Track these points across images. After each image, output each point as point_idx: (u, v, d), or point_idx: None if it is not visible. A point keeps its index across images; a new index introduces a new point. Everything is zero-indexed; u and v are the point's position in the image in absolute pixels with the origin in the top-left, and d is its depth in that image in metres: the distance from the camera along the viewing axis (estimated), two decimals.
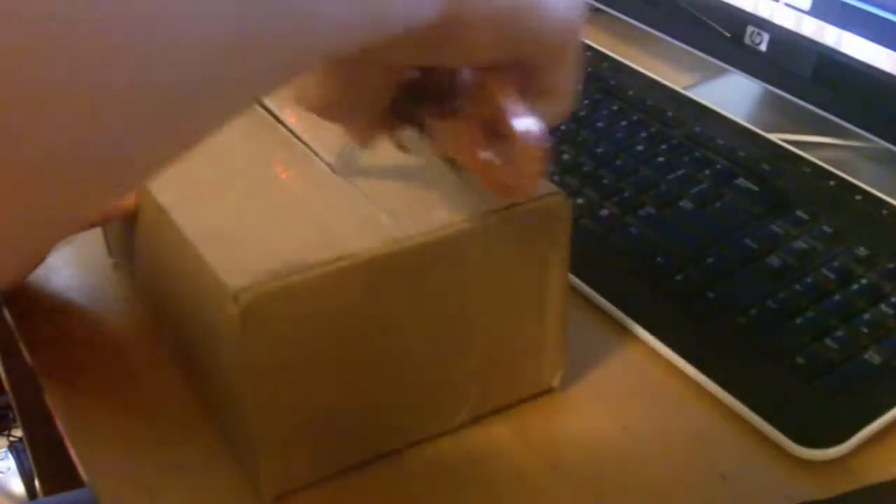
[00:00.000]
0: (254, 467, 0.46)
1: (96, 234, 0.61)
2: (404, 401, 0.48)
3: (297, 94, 0.39)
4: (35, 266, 0.58)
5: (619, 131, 0.71)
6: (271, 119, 0.53)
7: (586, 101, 0.74)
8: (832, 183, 0.64)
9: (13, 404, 0.98)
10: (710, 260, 0.59)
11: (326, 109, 0.40)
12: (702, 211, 0.63)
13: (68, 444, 0.52)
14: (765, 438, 0.50)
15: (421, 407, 0.49)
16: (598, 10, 0.87)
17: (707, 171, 0.66)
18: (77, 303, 0.60)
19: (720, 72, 0.79)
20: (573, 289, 0.57)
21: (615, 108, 0.73)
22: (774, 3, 0.70)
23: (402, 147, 0.46)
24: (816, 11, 0.68)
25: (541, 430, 0.51)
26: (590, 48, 0.80)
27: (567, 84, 0.43)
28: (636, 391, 0.53)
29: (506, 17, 0.36)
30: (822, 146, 0.72)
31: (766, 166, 0.66)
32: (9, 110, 0.20)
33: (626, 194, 0.64)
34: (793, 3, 0.69)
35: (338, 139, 0.51)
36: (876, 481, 0.48)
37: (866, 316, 0.54)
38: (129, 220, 0.53)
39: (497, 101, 0.40)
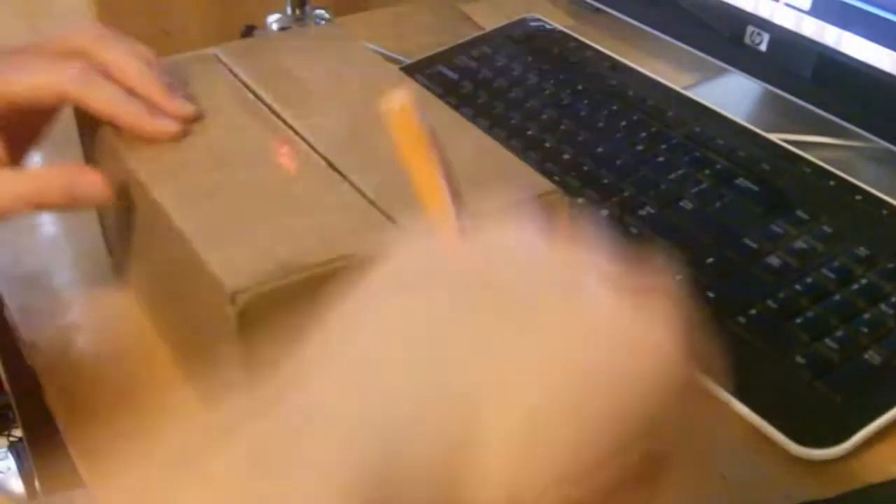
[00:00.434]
0: None
1: (96, 234, 0.61)
2: None
3: None
4: None
5: (619, 131, 0.71)
6: (267, 113, 0.53)
7: (586, 101, 0.74)
8: (832, 183, 0.64)
9: (13, 404, 0.98)
10: (710, 260, 0.59)
11: None
12: (702, 211, 0.63)
13: (68, 444, 0.52)
14: (765, 438, 0.50)
15: None
16: (598, 10, 0.87)
17: (707, 171, 0.66)
18: (77, 303, 0.60)
19: (720, 72, 0.79)
20: None
21: (615, 108, 0.73)
22: (774, 3, 0.70)
23: None
24: (816, 11, 0.68)
25: None
26: (590, 48, 0.80)
27: None
28: None
29: None
30: (822, 146, 0.72)
31: (766, 166, 0.66)
32: None
33: (626, 194, 0.64)
34: (793, 3, 0.69)
35: (337, 135, 0.51)
36: (876, 481, 0.48)
37: (866, 316, 0.54)
38: (125, 218, 0.53)
39: None
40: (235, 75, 0.57)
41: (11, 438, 1.60)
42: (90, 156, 0.59)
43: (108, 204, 0.51)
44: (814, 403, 0.51)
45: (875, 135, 0.66)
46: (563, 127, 0.71)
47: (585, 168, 0.67)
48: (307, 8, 0.82)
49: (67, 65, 0.49)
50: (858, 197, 0.63)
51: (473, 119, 0.72)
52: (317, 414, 0.28)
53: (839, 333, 0.53)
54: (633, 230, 0.62)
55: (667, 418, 0.30)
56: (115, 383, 0.54)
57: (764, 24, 0.71)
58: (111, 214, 0.59)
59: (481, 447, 0.27)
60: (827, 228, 0.60)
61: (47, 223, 0.68)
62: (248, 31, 0.83)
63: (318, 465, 0.27)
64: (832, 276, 0.57)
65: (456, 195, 0.34)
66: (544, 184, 0.48)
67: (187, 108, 0.51)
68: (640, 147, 0.69)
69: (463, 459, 0.27)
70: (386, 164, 0.49)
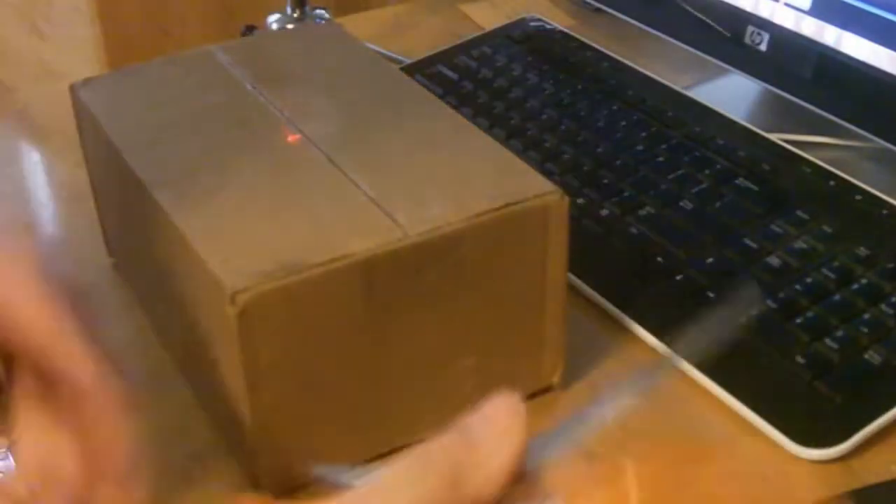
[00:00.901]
0: (253, 467, 0.46)
1: (96, 234, 0.61)
2: (403, 400, 0.48)
3: None
4: None
5: (619, 131, 0.71)
6: (267, 112, 0.53)
7: (586, 101, 0.74)
8: (832, 183, 0.64)
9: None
10: (710, 260, 0.59)
11: None
12: (702, 211, 0.63)
13: None
14: (765, 438, 0.50)
15: (420, 406, 0.49)
16: (598, 10, 0.87)
17: (707, 171, 0.66)
18: (77, 303, 0.60)
19: (720, 72, 0.79)
20: (573, 288, 0.57)
21: (615, 108, 0.73)
22: (774, 3, 0.70)
23: None
24: (816, 11, 0.68)
25: (540, 430, 0.51)
26: (590, 48, 0.80)
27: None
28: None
29: None
30: (822, 146, 0.72)
31: (766, 166, 0.66)
32: None
33: (626, 194, 0.64)
34: (793, 3, 0.69)
35: (337, 134, 0.51)
36: (876, 481, 0.48)
37: (866, 316, 0.54)
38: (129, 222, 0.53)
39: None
40: (235, 74, 0.57)
41: None
42: (90, 156, 0.59)
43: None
44: (814, 403, 0.51)
45: (875, 135, 0.66)
46: (563, 127, 0.71)
47: (585, 168, 0.67)
48: (307, 8, 0.82)
49: None
50: (858, 197, 0.63)
51: (473, 119, 0.72)
52: None
53: (839, 333, 0.53)
54: (633, 230, 0.62)
55: None
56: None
57: (764, 24, 0.71)
58: (111, 214, 0.59)
59: None
60: (827, 228, 0.60)
61: (47, 223, 0.68)
62: (248, 31, 0.83)
63: None
64: (832, 276, 0.57)
65: None
66: (544, 184, 0.48)
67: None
68: (640, 147, 0.69)
69: None
70: (386, 162, 0.49)
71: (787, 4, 0.70)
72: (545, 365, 0.51)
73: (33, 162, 0.75)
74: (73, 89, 0.56)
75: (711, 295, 0.56)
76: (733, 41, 0.73)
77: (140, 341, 0.56)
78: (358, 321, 0.45)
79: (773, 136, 0.70)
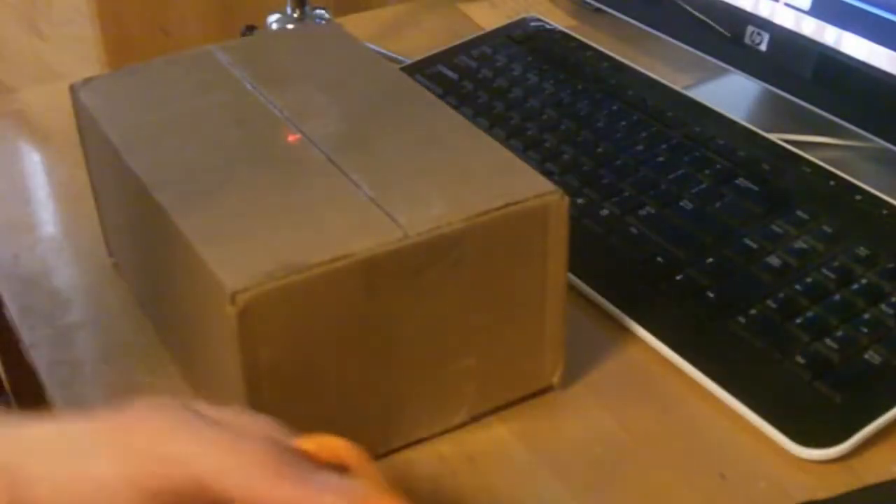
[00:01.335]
0: None
1: (96, 234, 0.61)
2: (403, 400, 0.48)
3: None
4: None
5: (619, 131, 0.71)
6: (267, 112, 0.53)
7: (586, 101, 0.74)
8: (832, 183, 0.64)
9: (13, 404, 0.98)
10: (710, 260, 0.59)
11: None
12: (702, 211, 0.63)
13: None
14: (765, 438, 0.50)
15: (420, 406, 0.49)
16: (598, 10, 0.87)
17: (707, 171, 0.66)
18: (77, 303, 0.60)
19: (720, 72, 0.79)
20: (573, 288, 0.57)
21: (615, 108, 0.73)
22: (774, 3, 0.70)
23: None
24: (816, 11, 0.68)
25: (540, 430, 0.51)
26: (590, 48, 0.80)
27: None
28: (636, 391, 0.53)
29: None
30: (822, 146, 0.72)
31: (766, 166, 0.66)
32: None
33: (626, 194, 0.64)
34: (793, 3, 0.69)
35: (337, 134, 0.51)
36: (876, 481, 0.48)
37: (866, 316, 0.54)
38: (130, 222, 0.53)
39: None
40: (235, 74, 0.57)
41: None
42: (90, 156, 0.59)
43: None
44: (814, 403, 0.51)
45: (875, 135, 0.66)
46: (563, 127, 0.71)
47: (585, 168, 0.67)
48: (307, 8, 0.82)
49: None
50: (858, 197, 0.63)
51: (473, 119, 0.72)
52: None
53: (839, 333, 0.53)
54: (633, 230, 0.62)
55: None
56: (115, 383, 0.54)
57: (764, 24, 0.71)
58: (111, 214, 0.59)
59: None
60: (827, 228, 0.60)
61: (47, 223, 0.68)
62: (248, 31, 0.83)
63: None
64: (832, 276, 0.57)
65: None
66: (544, 184, 0.48)
67: None
68: (640, 147, 0.69)
69: None
70: (386, 162, 0.49)
71: (787, 4, 0.70)
72: (545, 365, 0.51)
73: (33, 162, 0.75)
74: (73, 89, 0.56)
75: (711, 295, 0.56)
76: (733, 41, 0.73)
77: (140, 341, 0.56)
78: (358, 321, 0.45)
79: (773, 136, 0.70)
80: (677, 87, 0.76)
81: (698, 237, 0.60)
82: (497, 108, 0.74)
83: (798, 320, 0.54)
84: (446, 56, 0.81)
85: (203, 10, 0.96)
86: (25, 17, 1.04)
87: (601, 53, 0.80)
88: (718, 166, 0.66)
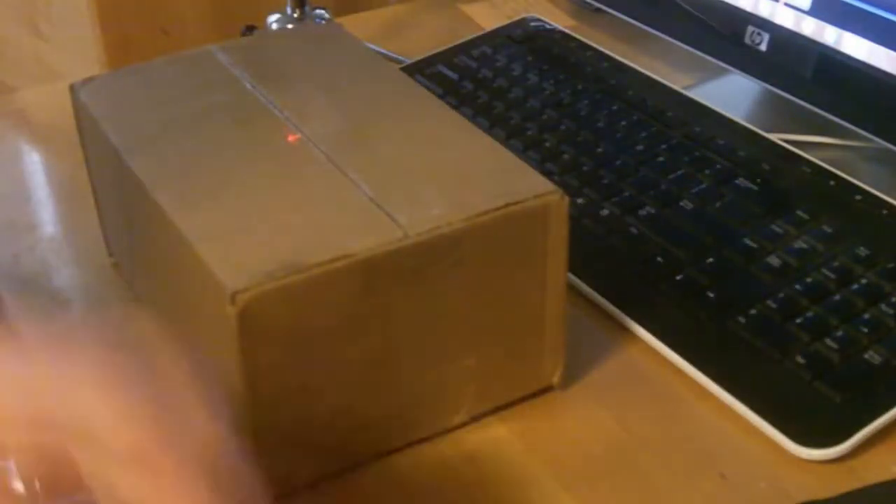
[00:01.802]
0: (252, 467, 0.46)
1: (96, 234, 0.61)
2: (403, 400, 0.48)
3: None
4: None
5: (619, 131, 0.71)
6: (267, 112, 0.53)
7: (586, 101, 0.74)
8: (832, 183, 0.64)
9: None
10: (710, 260, 0.59)
11: None
12: (702, 211, 0.63)
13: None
14: (765, 438, 0.50)
15: (420, 406, 0.49)
16: (598, 10, 0.87)
17: (707, 171, 0.66)
18: (77, 303, 0.60)
19: (720, 72, 0.79)
20: (573, 288, 0.57)
21: (615, 108, 0.73)
22: (774, 3, 0.70)
23: None
24: (816, 11, 0.68)
25: (540, 430, 0.51)
26: (590, 48, 0.80)
27: None
28: (636, 391, 0.53)
29: None
30: (822, 146, 0.72)
31: (766, 166, 0.66)
32: None
33: (626, 194, 0.64)
34: (793, 3, 0.69)
35: (337, 134, 0.51)
36: (876, 481, 0.48)
37: (866, 316, 0.54)
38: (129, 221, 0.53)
39: None
40: (235, 73, 0.57)
41: None
42: (90, 156, 0.59)
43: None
44: (814, 403, 0.51)
45: (875, 135, 0.66)
46: (563, 127, 0.71)
47: (585, 168, 0.67)
48: (307, 8, 0.82)
49: None
50: (858, 197, 0.63)
51: (473, 119, 0.72)
52: None
53: (839, 333, 0.53)
54: (633, 230, 0.62)
55: None
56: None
57: (764, 24, 0.71)
58: (111, 214, 0.59)
59: None
60: (827, 228, 0.60)
61: (47, 223, 0.68)
62: (248, 31, 0.83)
63: None
64: (832, 276, 0.57)
65: None
66: (544, 184, 0.48)
67: None
68: (640, 147, 0.69)
69: None
70: (386, 162, 0.49)
71: (787, 4, 0.70)
72: (545, 365, 0.51)
73: (33, 162, 0.75)
74: (73, 89, 0.56)
75: (711, 295, 0.56)
76: (733, 41, 0.73)
77: (140, 341, 0.56)
78: (358, 321, 0.45)
79: (773, 136, 0.70)
80: (677, 87, 0.76)
81: (698, 237, 0.60)
82: (497, 108, 0.74)
83: (798, 320, 0.54)
84: (446, 56, 0.81)
85: (203, 10, 0.96)
86: (25, 17, 1.04)
87: (601, 53, 0.80)
88: (718, 166, 0.66)
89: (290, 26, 0.82)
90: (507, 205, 0.46)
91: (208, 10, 0.96)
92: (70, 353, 0.37)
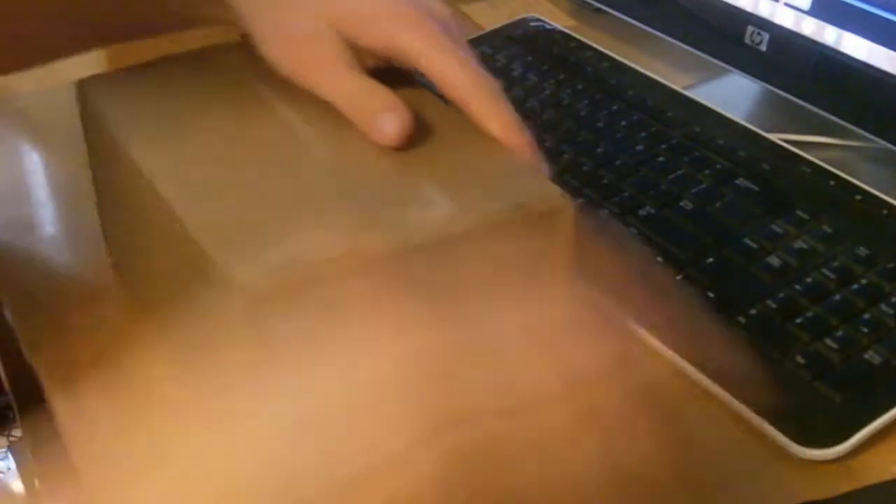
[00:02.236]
0: None
1: (96, 234, 0.61)
2: None
3: None
4: None
5: (619, 131, 0.71)
6: (272, 106, 0.53)
7: (586, 101, 0.74)
8: (832, 183, 0.64)
9: (13, 404, 0.98)
10: (710, 260, 0.59)
11: None
12: (702, 211, 0.63)
13: (68, 444, 0.52)
14: (765, 438, 0.50)
15: None
16: (598, 10, 0.87)
17: (707, 171, 0.66)
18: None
19: (720, 72, 0.79)
20: None
21: (615, 108, 0.73)
22: (774, 3, 0.70)
23: None
24: (816, 11, 0.68)
25: None
26: (590, 48, 0.80)
27: None
28: None
29: None
30: (822, 146, 0.72)
31: (766, 166, 0.66)
32: None
33: (626, 194, 0.64)
34: (793, 3, 0.69)
35: (340, 132, 0.51)
36: (876, 481, 0.48)
37: (866, 316, 0.54)
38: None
39: None
40: (240, 72, 0.57)
41: (11, 438, 1.60)
42: (93, 153, 0.59)
43: None
44: (814, 403, 0.51)
45: (875, 135, 0.66)
46: (563, 127, 0.71)
47: (585, 168, 0.67)
48: None
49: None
50: (858, 197, 0.63)
51: None
52: None
53: (839, 333, 0.53)
54: (633, 230, 0.62)
55: None
56: (115, 384, 0.54)
57: (764, 24, 0.71)
58: (112, 214, 0.59)
59: None
60: (827, 228, 0.60)
61: (47, 223, 0.68)
62: None
63: None
64: (832, 276, 0.57)
65: None
66: (550, 188, 0.48)
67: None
68: (640, 147, 0.69)
69: None
70: (392, 162, 0.49)
71: (787, 4, 0.70)
72: None
73: (33, 162, 0.75)
74: (79, 86, 0.56)
75: (711, 295, 0.56)
76: (733, 41, 0.74)
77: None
78: None
79: (773, 136, 0.70)
80: (677, 87, 0.76)
81: (698, 237, 0.60)
82: None
83: (798, 320, 0.54)
84: None
85: None
86: None
87: (601, 53, 0.80)
88: (718, 166, 0.66)
89: None
90: (513, 208, 0.46)
91: None
92: None
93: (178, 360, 0.54)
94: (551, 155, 0.68)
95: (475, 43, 0.83)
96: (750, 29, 0.72)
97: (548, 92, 0.75)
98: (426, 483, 0.32)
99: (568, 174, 0.67)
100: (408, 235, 0.44)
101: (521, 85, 0.76)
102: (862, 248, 0.58)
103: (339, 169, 0.49)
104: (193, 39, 0.60)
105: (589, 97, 0.74)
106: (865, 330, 0.53)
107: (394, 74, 0.51)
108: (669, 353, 0.54)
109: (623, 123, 0.71)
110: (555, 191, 0.47)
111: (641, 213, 0.63)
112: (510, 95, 0.75)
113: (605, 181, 0.66)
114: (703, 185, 0.65)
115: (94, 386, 0.54)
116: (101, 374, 0.55)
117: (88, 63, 0.95)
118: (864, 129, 0.67)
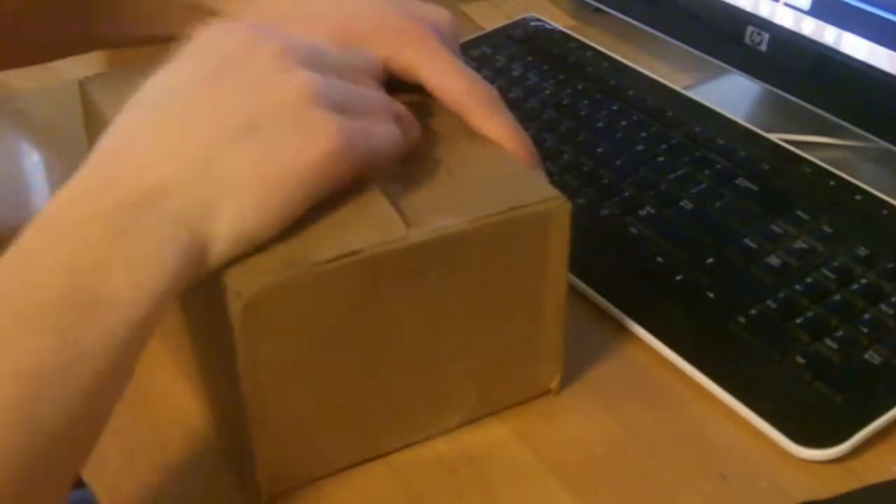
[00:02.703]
0: (252, 466, 0.46)
1: None
2: (403, 400, 0.48)
3: None
4: None
5: (619, 131, 0.71)
6: None
7: (586, 101, 0.74)
8: (832, 183, 0.64)
9: None
10: (710, 260, 0.59)
11: None
12: (702, 211, 0.63)
13: None
14: (765, 438, 0.50)
15: (419, 407, 0.49)
16: (598, 10, 0.87)
17: (707, 171, 0.66)
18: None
19: (720, 72, 0.79)
20: (573, 288, 0.57)
21: (615, 108, 0.73)
22: (774, 3, 0.70)
23: None
24: (816, 11, 0.68)
25: (540, 429, 0.51)
26: (590, 48, 0.80)
27: None
28: (636, 391, 0.53)
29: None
30: (822, 146, 0.72)
31: (766, 166, 0.66)
32: None
33: (626, 194, 0.64)
34: (793, 3, 0.69)
35: None
36: (876, 481, 0.48)
37: (866, 316, 0.54)
38: None
39: None
40: None
41: None
42: None
43: None
44: (814, 403, 0.51)
45: (875, 135, 0.66)
46: (563, 127, 0.71)
47: (585, 168, 0.67)
48: None
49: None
50: (858, 197, 0.63)
51: None
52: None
53: (839, 333, 0.53)
54: (633, 230, 0.62)
55: None
56: None
57: (764, 24, 0.71)
58: None
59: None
60: (827, 228, 0.60)
61: None
62: None
63: None
64: (832, 276, 0.57)
65: None
66: (548, 189, 0.48)
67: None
68: (640, 147, 0.69)
69: None
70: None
71: (786, 4, 0.70)
72: (543, 371, 0.51)
73: (33, 162, 0.75)
74: (81, 84, 0.56)
75: (711, 295, 0.56)
76: (733, 41, 0.74)
77: None
78: (360, 319, 0.45)
79: (773, 136, 0.70)
80: (677, 87, 0.76)
81: (698, 237, 0.60)
82: None
83: (798, 320, 0.54)
84: None
85: None
86: None
87: (601, 53, 0.80)
88: (718, 166, 0.66)
89: None
90: (510, 209, 0.46)
91: None
92: None
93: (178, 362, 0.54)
94: (551, 155, 0.69)
95: (475, 43, 0.83)
96: (750, 29, 0.72)
97: (548, 92, 0.75)
98: None
99: (568, 174, 0.67)
100: (408, 236, 0.44)
101: (521, 85, 0.76)
102: (862, 248, 0.58)
103: None
104: None
105: (589, 97, 0.74)
106: (865, 330, 0.53)
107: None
108: (669, 353, 0.54)
109: (623, 123, 0.71)
110: (552, 192, 0.47)
111: (641, 213, 0.63)
112: (510, 95, 0.75)
113: (605, 181, 0.66)
114: (703, 185, 0.65)
115: None
116: None
117: (88, 63, 0.95)
118: (864, 129, 0.67)
